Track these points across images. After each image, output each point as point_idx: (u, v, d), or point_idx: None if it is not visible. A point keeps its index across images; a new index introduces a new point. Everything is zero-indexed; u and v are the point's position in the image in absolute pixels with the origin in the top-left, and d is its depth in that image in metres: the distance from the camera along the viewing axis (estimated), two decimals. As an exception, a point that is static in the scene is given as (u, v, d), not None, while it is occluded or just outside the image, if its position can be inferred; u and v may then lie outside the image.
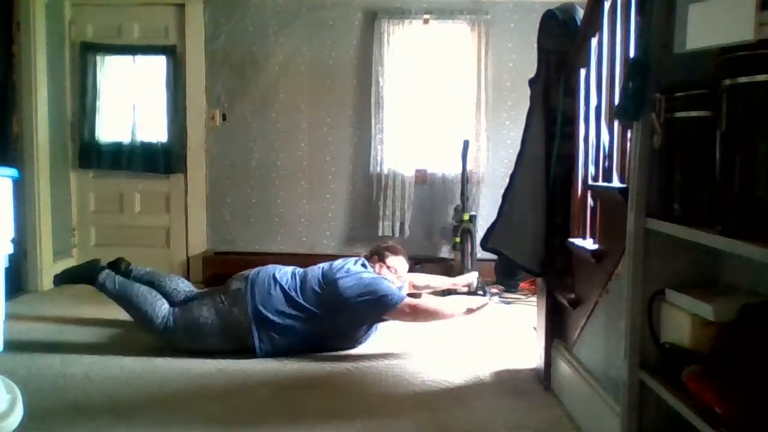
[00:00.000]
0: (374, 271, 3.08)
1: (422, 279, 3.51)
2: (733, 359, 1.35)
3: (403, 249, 3.29)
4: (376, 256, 3.18)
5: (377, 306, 2.86)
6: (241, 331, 2.82)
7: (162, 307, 2.87)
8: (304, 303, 2.84)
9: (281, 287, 2.87)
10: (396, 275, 3.18)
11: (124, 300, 2.94)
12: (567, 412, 2.29)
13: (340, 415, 2.29)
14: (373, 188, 4.51)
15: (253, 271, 2.97)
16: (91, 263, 3.00)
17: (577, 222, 2.31)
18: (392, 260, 3.19)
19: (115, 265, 3.21)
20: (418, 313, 2.87)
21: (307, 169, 4.58)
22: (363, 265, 3.09)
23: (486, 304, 2.95)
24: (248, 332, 2.81)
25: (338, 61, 4.50)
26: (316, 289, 2.88)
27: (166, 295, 2.99)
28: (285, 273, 2.98)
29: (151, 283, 3.09)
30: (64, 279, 2.96)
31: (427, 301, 2.96)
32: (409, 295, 3.08)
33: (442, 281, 3.57)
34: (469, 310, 2.92)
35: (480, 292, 4.13)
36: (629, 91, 1.59)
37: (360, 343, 3.01)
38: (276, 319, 2.81)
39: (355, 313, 2.87)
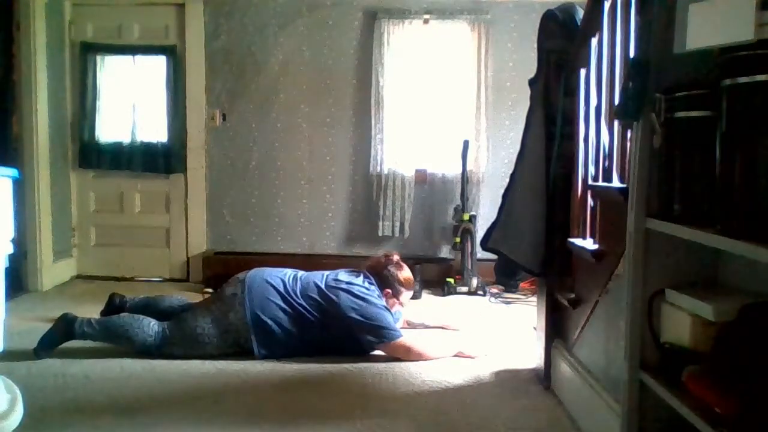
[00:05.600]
0: (383, 299, 2.98)
1: (418, 317, 3.42)
2: (733, 359, 1.35)
3: (412, 278, 3.18)
4: (390, 291, 3.05)
5: (373, 334, 2.81)
6: (239, 337, 2.81)
7: (150, 325, 2.80)
8: (302, 309, 2.81)
9: (279, 292, 2.84)
10: (401, 306, 3.16)
11: (110, 336, 2.84)
12: (567, 412, 2.29)
13: (340, 415, 2.29)
14: (373, 188, 4.51)
15: (248, 275, 2.93)
16: (63, 319, 2.84)
17: (577, 222, 2.31)
18: (405, 297, 3.13)
19: (110, 301, 3.20)
20: (410, 354, 2.84)
21: (307, 169, 4.58)
22: (368, 281, 2.99)
23: (475, 357, 2.89)
24: (247, 337, 2.80)
25: (338, 61, 4.50)
26: (316, 296, 2.85)
27: (164, 314, 2.97)
28: (284, 276, 2.94)
29: (147, 307, 3.07)
30: (46, 346, 2.79)
31: (420, 345, 2.88)
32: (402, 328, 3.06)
33: (437, 321, 3.44)
34: (459, 354, 2.91)
35: (480, 293, 4.15)
36: (629, 91, 1.59)
37: (361, 353, 2.92)
38: (274, 325, 2.79)
39: (349, 329, 2.82)
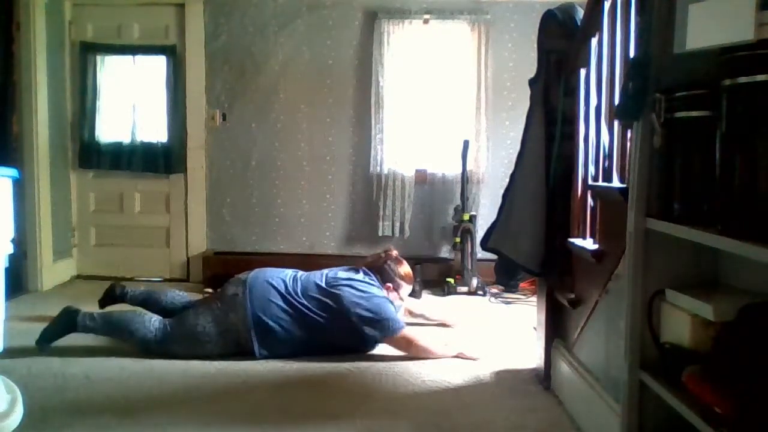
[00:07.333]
0: (384, 291, 3.01)
1: (419, 308, 3.46)
2: (733, 359, 1.35)
3: (412, 273, 3.20)
4: (391, 285, 3.06)
5: (377, 327, 2.83)
6: (240, 337, 2.81)
7: (152, 321, 2.82)
8: (303, 309, 2.82)
9: (280, 293, 2.84)
10: (401, 301, 3.16)
11: (111, 329, 2.85)
12: (567, 412, 2.29)
13: (340, 415, 2.29)
14: (373, 188, 4.51)
15: (250, 275, 2.93)
16: (66, 311, 2.86)
17: (577, 222, 2.31)
18: (405, 291, 3.15)
19: (110, 291, 3.20)
20: (411, 347, 2.86)
21: (307, 169, 4.58)
22: (368, 276, 3.01)
23: (476, 359, 2.87)
24: (247, 338, 2.80)
25: (338, 61, 4.50)
26: (318, 295, 2.85)
27: (164, 310, 2.97)
28: (285, 276, 2.95)
29: (147, 301, 3.08)
30: (48, 338, 2.81)
31: (422, 339, 2.90)
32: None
33: (436, 314, 3.46)
34: (460, 355, 2.90)
35: (480, 293, 4.15)
36: (629, 91, 1.60)
37: (363, 351, 2.94)
38: (275, 326, 2.79)
39: (353, 325, 2.83)
